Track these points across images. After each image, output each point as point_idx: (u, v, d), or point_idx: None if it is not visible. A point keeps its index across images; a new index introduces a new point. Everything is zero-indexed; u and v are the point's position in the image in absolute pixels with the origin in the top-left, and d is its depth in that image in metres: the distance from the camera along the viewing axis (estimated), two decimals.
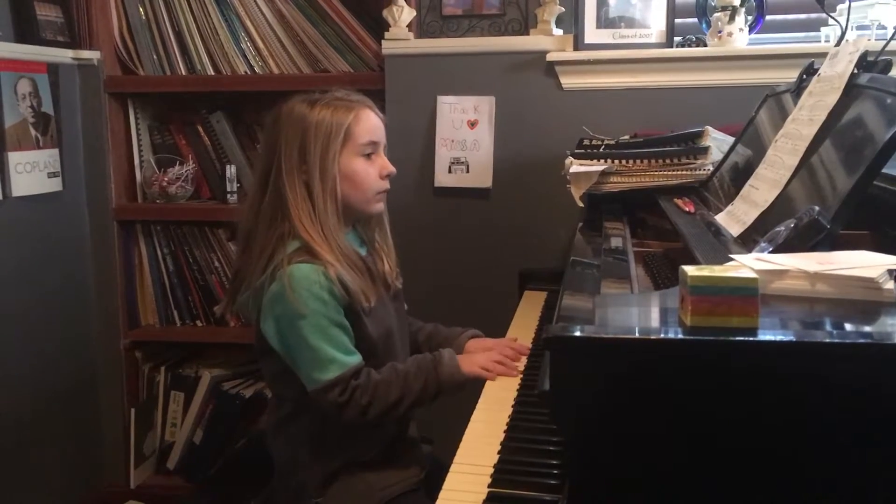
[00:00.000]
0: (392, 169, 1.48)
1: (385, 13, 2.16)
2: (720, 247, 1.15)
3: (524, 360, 1.48)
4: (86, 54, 2.31)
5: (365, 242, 1.54)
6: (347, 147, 1.42)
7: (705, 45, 2.06)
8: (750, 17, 2.05)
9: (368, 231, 1.54)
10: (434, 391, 1.40)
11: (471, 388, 1.42)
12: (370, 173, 1.45)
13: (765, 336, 0.76)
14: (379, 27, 2.22)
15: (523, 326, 1.68)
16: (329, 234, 1.39)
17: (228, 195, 2.38)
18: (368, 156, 1.45)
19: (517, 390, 1.36)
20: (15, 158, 2.10)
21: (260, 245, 1.42)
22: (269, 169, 1.43)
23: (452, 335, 1.61)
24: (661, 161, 1.68)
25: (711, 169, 1.64)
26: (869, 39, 1.82)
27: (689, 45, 2.09)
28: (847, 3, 1.66)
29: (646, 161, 1.69)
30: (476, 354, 1.48)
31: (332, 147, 1.40)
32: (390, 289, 1.53)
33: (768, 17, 2.07)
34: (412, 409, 1.41)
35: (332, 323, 1.36)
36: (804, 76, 1.42)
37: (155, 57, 2.38)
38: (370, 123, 1.45)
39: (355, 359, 1.38)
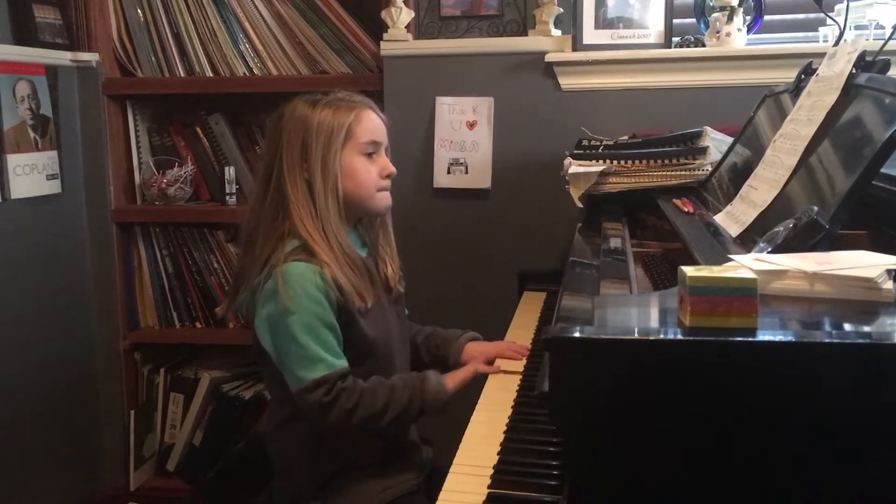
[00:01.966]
0: (393, 169, 1.48)
1: (383, 14, 2.17)
2: (719, 247, 1.15)
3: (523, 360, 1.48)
4: (84, 56, 2.31)
5: (366, 244, 1.53)
6: (349, 146, 1.42)
7: (704, 46, 2.06)
8: (748, 18, 2.05)
9: (371, 233, 1.54)
10: (419, 407, 1.39)
11: (471, 389, 1.42)
12: (371, 172, 1.45)
13: (764, 336, 0.76)
14: (377, 28, 2.22)
15: (522, 327, 1.68)
16: (330, 234, 1.40)
17: (227, 197, 2.38)
18: (370, 155, 1.45)
19: (517, 391, 1.36)
20: (14, 161, 2.10)
21: (261, 245, 1.42)
22: (271, 169, 1.43)
23: (451, 337, 1.61)
24: (659, 161, 1.68)
25: (710, 169, 1.64)
26: (867, 39, 1.83)
27: (688, 46, 2.10)
28: (845, 3, 1.67)
29: (644, 161, 1.70)
30: (462, 368, 1.49)
31: (334, 145, 1.41)
32: (392, 292, 1.53)
33: (766, 18, 2.07)
34: (396, 421, 1.40)
35: (322, 323, 1.35)
36: (802, 76, 1.42)
37: (153, 59, 2.38)
38: (372, 123, 1.45)
39: (343, 362, 1.37)
